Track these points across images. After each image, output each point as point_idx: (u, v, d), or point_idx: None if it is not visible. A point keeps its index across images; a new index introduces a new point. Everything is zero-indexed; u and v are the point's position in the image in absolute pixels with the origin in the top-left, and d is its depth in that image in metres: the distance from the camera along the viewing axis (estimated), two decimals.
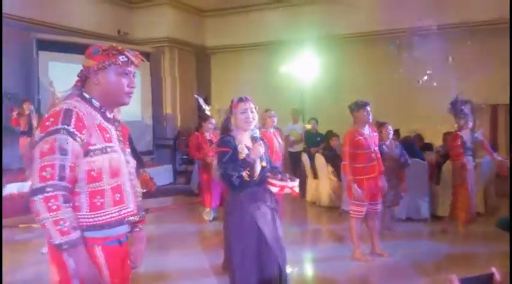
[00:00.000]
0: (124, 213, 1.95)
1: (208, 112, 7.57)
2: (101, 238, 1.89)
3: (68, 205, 1.78)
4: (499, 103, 9.92)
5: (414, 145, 7.42)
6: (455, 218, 5.92)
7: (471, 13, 9.34)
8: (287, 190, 3.06)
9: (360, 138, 4.77)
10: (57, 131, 1.79)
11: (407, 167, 5.92)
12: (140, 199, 2.08)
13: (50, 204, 1.73)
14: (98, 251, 1.89)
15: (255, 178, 3.02)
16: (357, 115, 4.82)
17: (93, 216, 1.86)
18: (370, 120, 4.87)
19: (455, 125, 5.92)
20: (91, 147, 1.86)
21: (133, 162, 2.09)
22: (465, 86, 7.25)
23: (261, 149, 3.01)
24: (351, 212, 4.95)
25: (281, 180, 3.06)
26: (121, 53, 1.95)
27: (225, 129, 3.15)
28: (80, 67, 1.99)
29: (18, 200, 6.81)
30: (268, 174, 3.10)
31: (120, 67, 1.94)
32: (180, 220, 7.34)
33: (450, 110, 5.89)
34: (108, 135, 1.93)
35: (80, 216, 1.83)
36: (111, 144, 1.93)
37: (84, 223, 1.84)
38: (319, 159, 8.11)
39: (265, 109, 5.84)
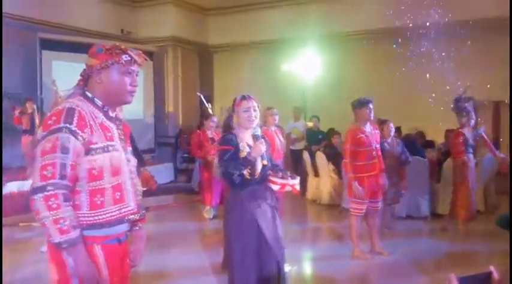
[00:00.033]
0: (124, 212, 1.95)
1: (210, 110, 7.58)
2: (100, 236, 1.90)
3: (68, 203, 1.79)
4: (501, 100, 9.90)
5: (415, 143, 7.43)
6: (455, 217, 5.92)
7: (473, 10, 9.32)
8: (288, 188, 3.07)
9: (362, 135, 4.77)
10: (59, 130, 1.80)
11: (408, 165, 5.92)
12: (141, 197, 2.09)
13: (50, 203, 1.74)
14: (98, 250, 1.89)
15: (256, 177, 3.02)
16: (359, 112, 4.82)
17: (93, 215, 1.87)
18: (372, 118, 4.87)
19: (458, 123, 5.91)
20: (92, 146, 1.86)
21: (134, 161, 2.09)
22: (467, 83, 7.25)
23: (263, 147, 3.02)
24: (351, 210, 4.96)
25: (282, 177, 3.06)
26: (124, 52, 1.95)
27: (227, 127, 3.16)
28: (83, 66, 2.00)
29: (19, 199, 6.82)
30: (269, 172, 3.11)
31: (123, 66, 1.95)
32: (180, 218, 7.36)
33: (453, 107, 5.88)
34: (109, 134, 1.94)
35: (80, 215, 1.84)
36: (112, 143, 1.93)
37: (84, 222, 1.85)
38: (320, 157, 8.12)
39: (267, 107, 5.84)
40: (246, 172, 2.98)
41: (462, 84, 6.67)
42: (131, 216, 2.00)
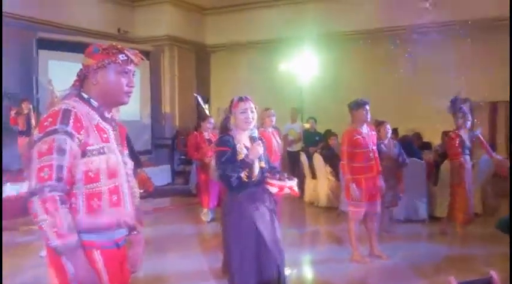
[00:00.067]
0: (121, 216, 1.93)
1: (207, 111, 7.56)
2: (98, 241, 1.87)
3: (65, 206, 1.76)
4: (498, 100, 9.90)
5: (412, 144, 7.42)
6: (453, 220, 5.90)
7: (471, 11, 9.33)
8: (286, 190, 3.05)
9: (358, 137, 4.76)
10: (55, 131, 1.78)
11: (405, 167, 5.91)
12: (138, 200, 2.06)
13: (47, 205, 1.72)
14: (97, 256, 1.86)
15: (253, 179, 3.00)
16: (355, 114, 4.81)
17: (90, 218, 1.84)
18: (369, 119, 4.86)
19: (455, 124, 5.90)
20: (89, 148, 1.84)
21: (130, 163, 2.07)
22: (464, 84, 7.26)
23: (260, 149, 3.00)
24: (349, 213, 4.93)
25: (279, 179, 3.04)
26: (121, 51, 1.93)
27: (224, 128, 3.14)
28: (80, 65, 1.98)
29: (18, 201, 6.75)
30: (267, 174, 3.08)
31: (119, 66, 1.93)
32: (178, 221, 7.31)
33: (449, 109, 5.87)
34: (105, 135, 1.92)
35: (77, 219, 1.81)
36: (108, 145, 1.91)
37: (81, 226, 1.82)
38: (317, 159, 8.11)
39: (265, 108, 5.82)
40: (243, 174, 2.95)
41: (459, 84, 6.68)
42: (128, 220, 1.97)
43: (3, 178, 7.36)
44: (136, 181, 2.15)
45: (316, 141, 9.22)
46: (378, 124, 5.75)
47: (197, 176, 7.43)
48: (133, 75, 2.00)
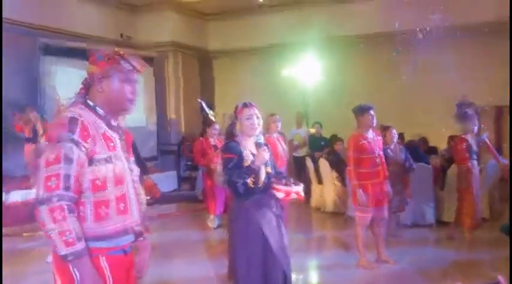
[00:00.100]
0: (128, 223, 1.94)
1: (212, 117, 7.57)
2: (105, 248, 1.88)
3: (73, 215, 1.77)
4: (503, 105, 9.84)
5: (419, 149, 7.39)
6: (461, 224, 5.86)
7: (473, 15, 9.32)
8: (293, 195, 3.05)
9: (364, 142, 4.74)
10: (62, 140, 1.79)
11: (412, 172, 5.88)
12: (145, 207, 2.07)
13: (55, 214, 1.72)
14: (102, 262, 1.87)
15: (259, 185, 3.00)
16: (361, 119, 4.79)
17: (97, 226, 1.85)
18: (374, 124, 4.84)
19: (461, 129, 5.87)
20: (95, 156, 1.85)
21: (137, 170, 2.08)
22: (469, 88, 7.22)
23: (266, 155, 3.00)
24: (356, 218, 4.91)
25: (285, 185, 3.04)
26: (125, 60, 1.95)
27: (230, 134, 3.14)
28: (83, 71, 2.00)
29: (22, 208, 6.78)
30: (273, 179, 3.08)
31: (123, 74, 1.94)
32: (184, 227, 7.31)
33: (456, 113, 5.85)
34: (112, 144, 1.93)
35: (84, 227, 1.82)
36: (115, 153, 1.92)
37: (89, 234, 1.83)
38: (323, 164, 8.09)
39: (270, 114, 5.82)
40: (249, 180, 2.95)
41: (464, 89, 6.65)
42: (136, 227, 1.98)
43: (8, 185, 7.39)
44: (142, 187, 2.16)
45: (322, 146, 9.20)
46: (384, 129, 5.72)
47: (203, 182, 7.43)
48: (136, 83, 2.01)
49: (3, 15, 8.31)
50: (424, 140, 8.94)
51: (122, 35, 11.67)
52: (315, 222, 7.94)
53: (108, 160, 1.88)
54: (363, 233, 4.87)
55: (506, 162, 6.07)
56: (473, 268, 4.92)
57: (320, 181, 8.30)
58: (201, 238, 6.55)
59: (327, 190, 8.06)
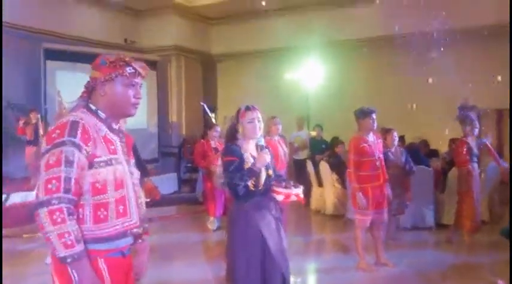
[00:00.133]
0: (127, 225, 1.95)
1: (213, 120, 7.59)
2: (104, 250, 1.89)
3: (72, 217, 1.77)
4: (504, 108, 9.83)
5: (419, 152, 7.39)
6: (461, 227, 5.86)
7: (474, 17, 9.32)
8: (293, 198, 3.05)
9: (365, 145, 4.75)
10: (63, 143, 1.80)
11: (412, 174, 5.88)
12: (144, 210, 2.08)
13: (54, 217, 1.73)
14: (101, 264, 1.88)
15: (260, 188, 3.01)
16: (362, 122, 4.80)
17: (96, 229, 1.86)
18: (375, 128, 4.85)
19: (462, 131, 5.88)
20: (96, 159, 1.86)
21: (137, 173, 2.09)
22: (470, 91, 7.22)
23: (267, 157, 3.01)
24: (356, 221, 4.92)
25: (285, 187, 3.05)
26: (128, 64, 1.96)
27: (230, 137, 3.15)
28: (87, 76, 2.01)
29: (22, 210, 6.80)
30: (273, 182, 3.09)
31: (127, 78, 1.95)
32: (184, 229, 7.31)
33: (457, 116, 5.86)
34: (113, 147, 1.94)
35: (83, 229, 1.83)
36: (116, 156, 1.93)
37: (88, 236, 1.84)
38: (324, 167, 8.10)
39: (271, 116, 5.83)
40: (250, 183, 2.96)
41: (465, 91, 6.66)
42: (134, 230, 1.99)
43: (9, 187, 7.42)
44: (143, 190, 2.17)
45: (323, 148, 9.21)
46: (385, 132, 5.73)
47: (204, 184, 7.44)
48: (140, 87, 2.02)
49: (8, 20, 8.37)
50: (424, 143, 8.93)
51: (126, 40, 11.73)
52: (315, 225, 7.94)
53: (108, 163, 1.89)
54: (363, 236, 4.88)
55: (507, 165, 6.08)
56: (473, 271, 4.92)
57: (320, 184, 8.31)
58: (200, 240, 6.56)
59: (327, 193, 8.07)
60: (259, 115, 3.10)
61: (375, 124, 4.80)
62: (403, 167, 5.74)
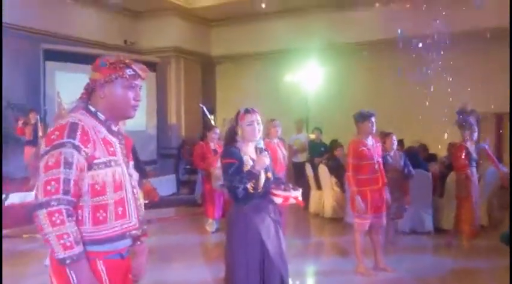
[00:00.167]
0: (126, 227, 1.94)
1: (212, 122, 7.59)
2: (102, 252, 1.89)
3: (71, 219, 1.77)
4: (503, 112, 9.84)
5: (418, 156, 7.38)
6: (459, 232, 5.86)
7: (475, 21, 9.34)
8: (292, 201, 3.05)
9: (364, 148, 4.75)
10: (62, 145, 1.79)
11: (411, 179, 5.87)
12: (143, 212, 2.08)
13: (53, 218, 1.73)
14: (100, 265, 1.88)
15: (259, 190, 3.01)
16: (361, 126, 4.80)
17: (95, 230, 1.86)
18: (374, 131, 4.85)
19: (461, 136, 5.88)
20: (95, 161, 1.86)
21: (136, 175, 2.09)
22: (470, 95, 7.23)
23: (267, 160, 3.01)
24: (355, 225, 4.91)
25: (284, 190, 3.05)
26: (128, 66, 1.96)
27: (230, 139, 3.15)
28: (87, 77, 2.01)
29: (21, 210, 6.80)
30: (272, 185, 3.09)
31: (126, 80, 1.95)
32: (182, 231, 7.30)
33: (456, 120, 5.86)
34: (112, 149, 1.94)
35: (82, 230, 1.83)
36: (115, 158, 1.93)
37: (87, 238, 1.84)
38: (323, 170, 8.09)
39: (270, 119, 5.83)
40: (249, 185, 2.96)
41: (464, 95, 6.66)
42: (133, 232, 1.98)
43: (8, 187, 7.41)
44: (141, 191, 2.16)
45: (322, 151, 9.21)
46: (384, 136, 5.72)
47: (202, 186, 7.44)
48: (139, 89, 2.02)
49: (9, 21, 8.38)
50: (423, 147, 8.92)
51: (125, 41, 11.75)
52: (314, 228, 7.94)
53: (107, 164, 1.89)
54: (361, 240, 4.87)
55: (506, 170, 6.08)
56: (472, 276, 4.92)
57: (319, 187, 8.31)
58: (199, 242, 6.55)
59: (326, 196, 8.06)
60: (259, 118, 3.09)
61: (374, 128, 4.79)
62: (402, 171, 5.73)
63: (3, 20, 8.21)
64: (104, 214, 1.87)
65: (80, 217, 1.84)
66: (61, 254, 1.73)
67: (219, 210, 6.88)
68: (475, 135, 5.78)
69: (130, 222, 1.95)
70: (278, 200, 3.06)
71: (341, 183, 7.58)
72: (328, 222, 7.78)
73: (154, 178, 9.19)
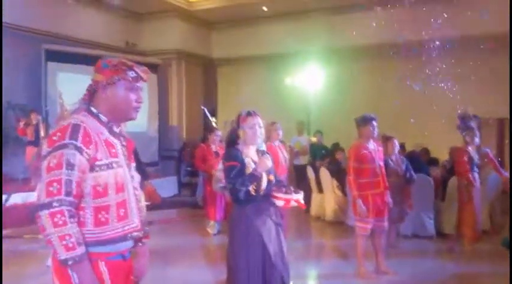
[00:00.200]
0: (128, 229, 1.94)
1: (214, 124, 7.59)
2: (104, 253, 1.89)
3: (73, 220, 1.77)
4: (505, 117, 9.83)
5: (420, 160, 7.37)
6: (461, 236, 5.84)
7: (476, 25, 9.34)
8: (293, 203, 3.05)
9: (365, 152, 4.74)
10: (64, 146, 1.80)
11: (412, 183, 5.86)
12: (144, 214, 2.08)
13: (55, 219, 1.73)
14: (102, 267, 1.88)
15: (261, 192, 3.01)
16: (362, 130, 4.79)
17: (97, 232, 1.86)
18: (375, 135, 4.85)
19: (463, 140, 5.86)
20: (97, 162, 1.86)
21: (138, 177, 2.09)
22: (471, 99, 7.21)
23: (269, 162, 3.01)
24: (356, 228, 4.90)
25: (286, 193, 3.05)
26: (130, 68, 1.96)
27: (231, 142, 3.15)
28: (89, 78, 2.01)
29: (23, 210, 6.81)
30: (273, 188, 3.09)
31: (129, 82, 1.95)
32: (184, 232, 7.30)
33: (458, 125, 5.84)
34: (114, 150, 1.94)
35: (84, 232, 1.83)
36: (116, 159, 1.93)
37: (89, 239, 1.84)
38: (324, 173, 8.09)
39: (271, 122, 5.83)
40: (251, 188, 2.96)
41: (466, 100, 6.65)
42: (135, 233, 1.99)
43: (9, 187, 7.42)
44: (143, 193, 2.17)
45: (323, 154, 9.20)
46: (386, 140, 5.71)
47: (204, 188, 7.43)
48: (141, 91, 2.02)
49: (10, 21, 8.40)
50: (425, 151, 8.91)
51: (127, 43, 11.78)
52: (315, 231, 7.92)
53: (109, 166, 1.89)
54: (363, 244, 4.85)
55: (508, 174, 6.06)
56: (473, 280, 4.91)
57: (320, 190, 8.30)
58: (200, 243, 6.54)
59: (327, 199, 8.05)
60: (260, 121, 3.09)
61: (376, 132, 4.79)
62: (404, 175, 5.72)
63: (5, 20, 8.23)
64: (106, 216, 1.87)
65: (81, 219, 1.84)
66: (63, 255, 1.74)
67: (221, 211, 6.87)
68: (477, 139, 5.76)
69: (132, 224, 1.96)
70: (279, 203, 3.06)
71: (342, 187, 7.57)
72: (329, 225, 7.77)
73: (155, 179, 9.21)
